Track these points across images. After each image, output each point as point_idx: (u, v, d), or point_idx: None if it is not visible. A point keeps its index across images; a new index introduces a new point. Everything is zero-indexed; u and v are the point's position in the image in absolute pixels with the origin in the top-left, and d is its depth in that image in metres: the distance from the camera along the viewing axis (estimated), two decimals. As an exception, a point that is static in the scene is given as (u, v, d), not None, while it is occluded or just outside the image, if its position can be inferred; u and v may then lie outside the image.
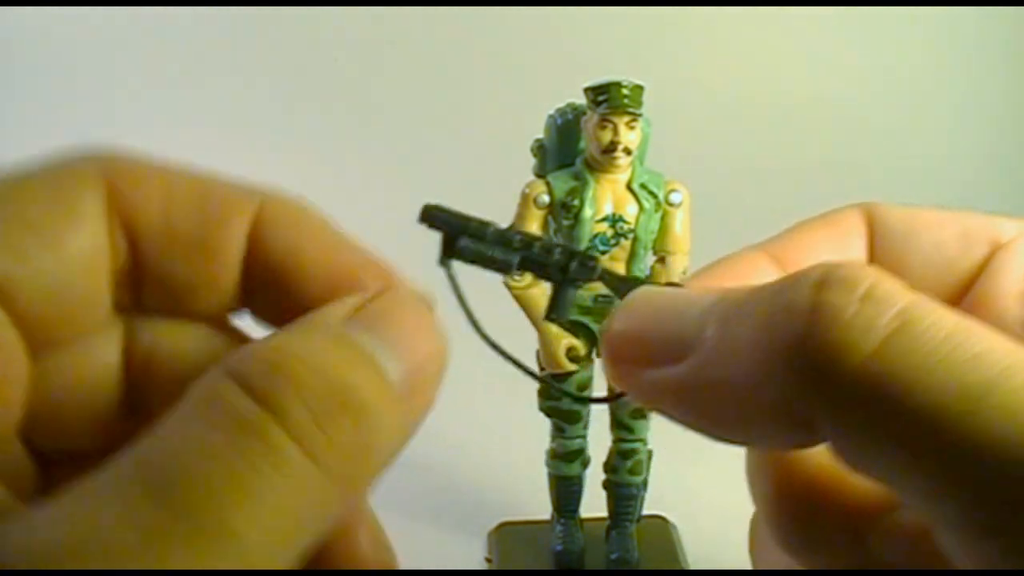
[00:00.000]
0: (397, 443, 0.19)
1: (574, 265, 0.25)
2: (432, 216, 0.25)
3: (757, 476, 0.23)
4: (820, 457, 0.22)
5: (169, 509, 0.15)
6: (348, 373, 0.18)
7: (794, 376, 0.18)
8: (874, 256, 0.25)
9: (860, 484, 0.21)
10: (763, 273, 0.23)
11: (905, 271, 0.24)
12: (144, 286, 0.22)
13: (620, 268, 0.69)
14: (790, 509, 0.22)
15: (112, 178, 0.21)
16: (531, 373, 0.28)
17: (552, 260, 0.25)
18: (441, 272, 0.26)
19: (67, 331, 0.20)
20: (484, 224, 0.25)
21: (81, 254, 0.20)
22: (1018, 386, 0.16)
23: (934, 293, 0.19)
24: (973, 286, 0.24)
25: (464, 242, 0.25)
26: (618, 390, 0.22)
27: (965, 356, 0.17)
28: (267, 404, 0.17)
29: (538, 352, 0.71)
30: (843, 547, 0.21)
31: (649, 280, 0.24)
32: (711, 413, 0.20)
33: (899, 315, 0.17)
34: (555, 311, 0.26)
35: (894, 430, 0.17)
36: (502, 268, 0.25)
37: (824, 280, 0.18)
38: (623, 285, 0.25)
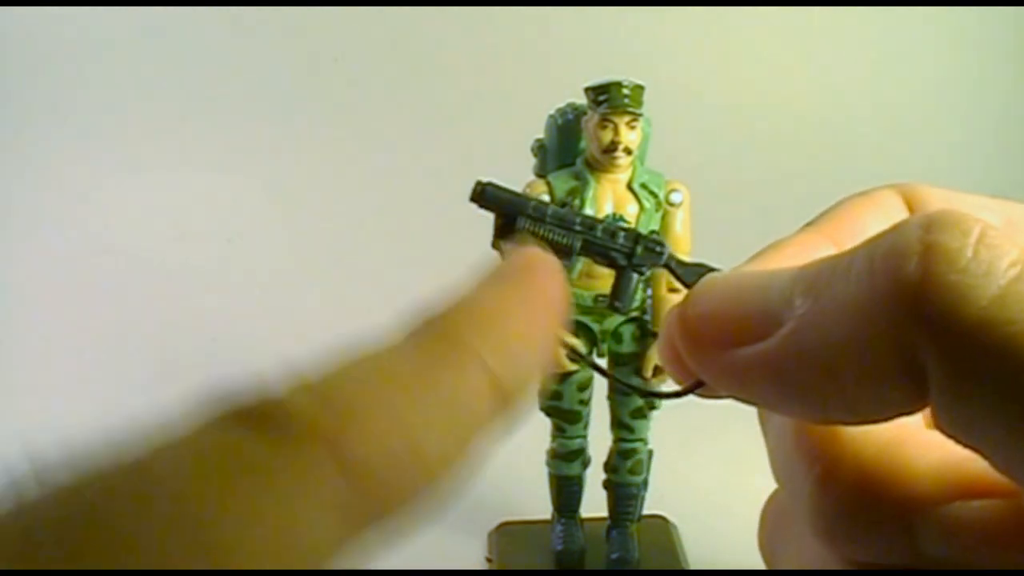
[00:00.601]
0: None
1: (640, 250, 0.24)
2: (487, 195, 0.24)
3: (798, 459, 0.22)
4: (875, 440, 0.21)
5: None
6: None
7: (906, 323, 0.17)
8: None
9: (915, 472, 0.21)
10: (821, 251, 0.23)
11: None
12: None
13: (620, 268, 0.69)
14: (838, 495, 0.21)
15: None
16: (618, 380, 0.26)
17: (616, 244, 0.24)
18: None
19: None
20: (543, 204, 0.24)
21: None
22: None
23: None
24: None
25: (523, 223, 0.23)
26: (655, 385, 0.21)
27: None
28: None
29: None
30: (890, 538, 0.20)
31: (718, 269, 0.23)
32: (809, 384, 0.19)
33: (1017, 262, 0.17)
34: (618, 299, 0.25)
35: (1012, 386, 0.16)
36: (563, 252, 0.23)
37: (933, 223, 0.17)
38: (691, 271, 0.23)
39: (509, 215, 0.23)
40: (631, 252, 0.24)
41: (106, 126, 1.36)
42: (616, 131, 0.65)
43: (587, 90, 0.66)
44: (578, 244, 0.23)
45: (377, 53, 1.39)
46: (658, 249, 0.24)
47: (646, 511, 0.78)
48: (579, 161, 0.68)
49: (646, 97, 0.65)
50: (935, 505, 0.20)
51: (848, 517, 0.21)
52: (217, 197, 1.32)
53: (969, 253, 0.17)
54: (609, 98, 0.64)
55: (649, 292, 0.70)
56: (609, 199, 0.67)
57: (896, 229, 0.18)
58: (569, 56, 1.28)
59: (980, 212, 0.24)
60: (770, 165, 1.32)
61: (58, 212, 1.30)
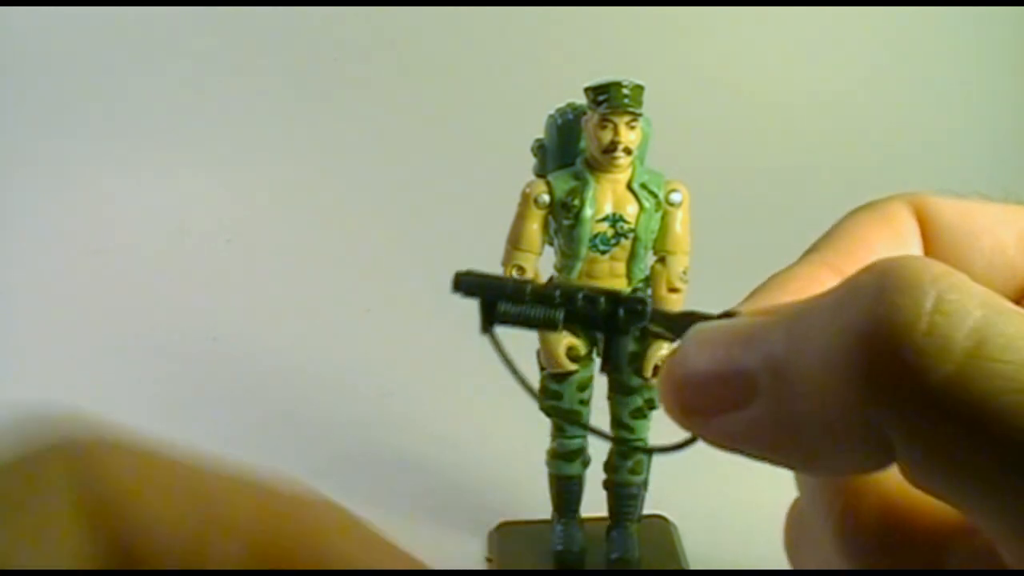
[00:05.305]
0: None
1: (622, 313, 0.24)
2: (465, 284, 0.24)
3: (819, 490, 0.22)
4: (897, 472, 0.20)
5: None
6: None
7: (867, 400, 0.17)
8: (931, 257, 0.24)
9: (940, 505, 0.20)
10: (827, 286, 0.22)
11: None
12: None
13: (620, 268, 0.69)
14: (863, 528, 0.21)
15: None
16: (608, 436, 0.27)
17: (598, 311, 0.24)
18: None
19: None
20: (521, 283, 0.24)
21: None
22: None
23: None
24: None
25: (504, 306, 0.24)
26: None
27: None
28: None
29: (539, 351, 0.71)
30: (918, 564, 0.20)
31: (704, 315, 0.23)
32: (791, 451, 0.19)
33: (974, 332, 0.16)
34: (611, 364, 0.25)
35: (967, 458, 0.16)
36: (547, 326, 0.24)
37: (886, 288, 0.17)
38: (676, 323, 0.23)
39: (491, 300, 0.24)
40: (613, 316, 0.24)
41: (106, 126, 1.36)
42: (616, 131, 0.65)
43: (587, 90, 0.66)
44: (560, 316, 0.24)
45: (377, 53, 1.39)
46: (639, 308, 0.24)
47: (646, 511, 0.78)
48: (579, 161, 0.68)
49: (646, 97, 0.65)
50: (969, 535, 0.20)
51: (875, 549, 0.21)
52: (216, 197, 1.32)
53: (923, 326, 0.16)
54: (609, 98, 0.64)
55: (649, 292, 0.70)
56: (609, 199, 0.67)
57: (851, 299, 0.17)
58: (569, 56, 1.28)
59: (995, 227, 0.23)
60: (770, 165, 1.32)
61: (57, 211, 1.30)
